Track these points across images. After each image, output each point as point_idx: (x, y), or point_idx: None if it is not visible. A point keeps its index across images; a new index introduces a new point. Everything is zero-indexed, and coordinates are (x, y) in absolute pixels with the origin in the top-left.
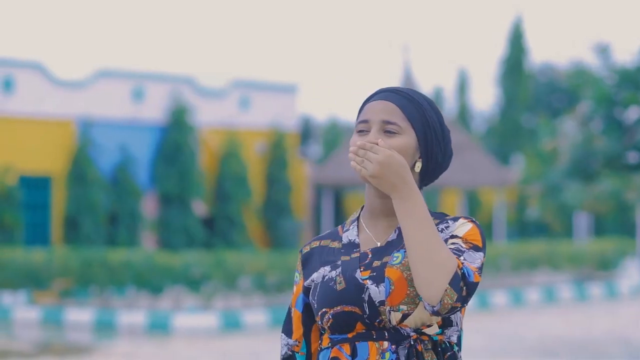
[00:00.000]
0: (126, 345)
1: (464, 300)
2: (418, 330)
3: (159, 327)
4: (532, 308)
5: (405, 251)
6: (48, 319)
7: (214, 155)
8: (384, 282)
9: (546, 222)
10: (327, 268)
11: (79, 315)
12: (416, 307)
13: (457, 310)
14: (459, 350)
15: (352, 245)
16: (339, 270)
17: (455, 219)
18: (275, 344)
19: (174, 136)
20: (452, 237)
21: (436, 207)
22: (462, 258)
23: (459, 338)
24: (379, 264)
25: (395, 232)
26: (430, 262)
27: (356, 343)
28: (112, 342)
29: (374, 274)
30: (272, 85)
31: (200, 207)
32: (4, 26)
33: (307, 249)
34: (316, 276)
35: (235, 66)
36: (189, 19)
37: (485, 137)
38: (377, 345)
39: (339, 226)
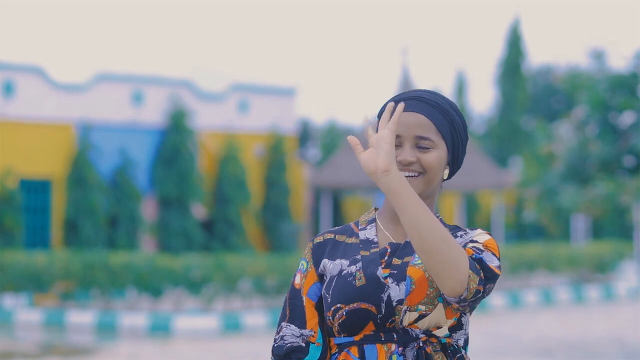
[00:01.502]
0: (129, 347)
1: (485, 283)
2: (427, 332)
3: (160, 329)
4: (530, 310)
5: None
6: (50, 321)
7: (213, 158)
8: (404, 280)
9: (544, 225)
10: (345, 262)
11: (81, 317)
12: (434, 307)
13: (480, 296)
14: (466, 353)
15: (371, 242)
16: (359, 265)
17: (473, 229)
18: None
19: (173, 139)
20: (472, 241)
21: (434, 210)
22: (481, 254)
23: (466, 342)
24: (399, 262)
25: None
26: (449, 248)
27: (364, 346)
28: (114, 344)
29: (395, 271)
30: (270, 89)
31: (199, 210)
32: (4, 30)
33: (319, 239)
34: (332, 268)
35: (234, 70)
36: (188, 22)
37: (484, 139)
38: (385, 348)
39: (351, 224)
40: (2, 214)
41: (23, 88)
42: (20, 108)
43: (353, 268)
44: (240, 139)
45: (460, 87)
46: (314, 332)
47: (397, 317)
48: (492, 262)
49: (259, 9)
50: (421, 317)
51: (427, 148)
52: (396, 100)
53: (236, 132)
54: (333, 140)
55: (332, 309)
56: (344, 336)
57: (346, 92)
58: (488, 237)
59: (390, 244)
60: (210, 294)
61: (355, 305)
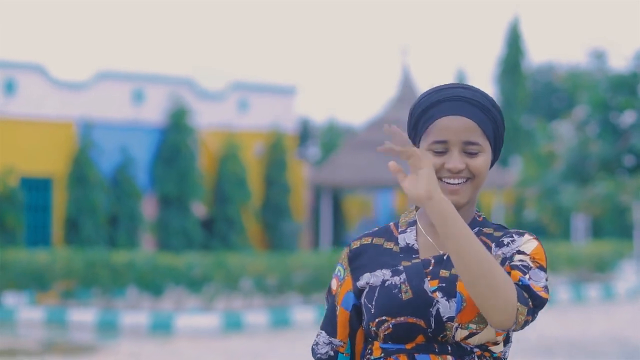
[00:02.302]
0: (130, 345)
1: (533, 312)
2: (482, 347)
3: (161, 327)
4: None
5: None
6: (52, 319)
7: (213, 157)
8: (454, 297)
9: (544, 224)
10: (387, 272)
11: (82, 315)
12: (485, 326)
13: (529, 324)
14: None
15: (411, 250)
16: (402, 277)
17: (520, 234)
18: (275, 345)
19: (174, 138)
20: (519, 252)
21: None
22: (527, 276)
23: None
24: (447, 274)
25: None
26: (496, 281)
27: (415, 355)
28: (116, 342)
29: (443, 285)
30: (270, 88)
31: (199, 209)
32: (6, 29)
33: (356, 245)
34: (373, 279)
35: (234, 68)
36: (189, 21)
37: None
38: (439, 358)
39: (391, 224)
40: (3, 213)
41: (24, 86)
42: (21, 106)
43: (397, 279)
44: (240, 138)
45: None
46: (344, 343)
47: (448, 332)
48: (539, 282)
49: (259, 8)
50: (472, 334)
51: (475, 153)
52: (435, 97)
53: (236, 131)
54: (333, 139)
55: (377, 320)
56: (391, 343)
57: (346, 91)
58: (535, 244)
59: (435, 257)
60: (211, 293)
61: (402, 319)
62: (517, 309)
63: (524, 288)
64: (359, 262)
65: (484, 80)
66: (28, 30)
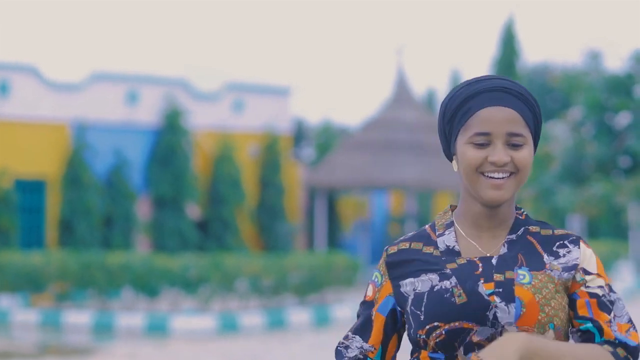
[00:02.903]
0: (126, 347)
1: None
2: None
3: (157, 328)
4: None
5: (530, 270)
6: (47, 322)
7: (208, 158)
8: (513, 301)
9: None
10: (433, 276)
11: (78, 317)
12: (545, 333)
13: None
14: None
15: (453, 253)
16: (453, 280)
17: (572, 241)
18: (271, 346)
19: (168, 139)
20: (585, 272)
21: (429, 210)
22: (611, 315)
23: None
24: (501, 278)
25: (504, 246)
26: None
27: None
28: (112, 344)
29: (500, 289)
30: (265, 88)
31: (194, 210)
32: None
33: (394, 250)
34: (419, 285)
35: (229, 69)
36: (183, 22)
37: None
38: None
39: (426, 227)
40: None
41: (18, 88)
42: (15, 108)
43: (447, 283)
44: (235, 139)
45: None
46: (375, 349)
47: None
48: (624, 317)
49: (254, 9)
50: None
51: (520, 145)
52: (475, 88)
53: (231, 132)
54: (328, 140)
55: (427, 327)
56: (441, 352)
57: (341, 92)
58: (594, 256)
59: (481, 258)
60: (207, 294)
61: (456, 324)
62: None
63: (621, 346)
64: (399, 268)
65: None
66: (22, 32)
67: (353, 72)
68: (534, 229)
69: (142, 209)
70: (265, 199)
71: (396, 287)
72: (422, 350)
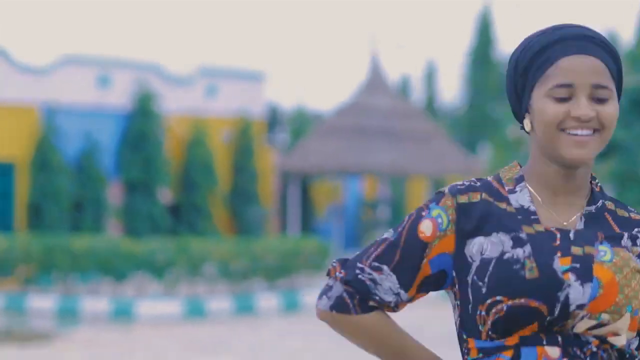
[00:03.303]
0: (88, 332)
1: None
2: (601, 337)
3: (122, 313)
4: None
5: (612, 246)
6: (10, 306)
7: (180, 142)
8: (590, 281)
9: None
10: (506, 238)
11: (42, 302)
12: (620, 317)
13: None
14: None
15: (529, 213)
16: (527, 249)
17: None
18: (239, 332)
19: (140, 123)
20: None
21: (403, 195)
22: None
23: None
24: (580, 252)
25: (581, 219)
26: None
27: (522, 348)
28: (75, 329)
29: (577, 265)
30: (239, 73)
31: (165, 195)
32: None
33: (464, 199)
34: (488, 247)
35: (201, 53)
36: (156, 5)
37: (453, 126)
38: (547, 350)
39: (490, 179)
40: None
41: None
42: None
43: (519, 252)
44: (207, 124)
45: (430, 73)
46: (406, 302)
47: (569, 321)
48: None
49: None
50: (599, 325)
51: (605, 99)
52: (555, 35)
53: (204, 117)
54: (302, 125)
55: (489, 301)
56: (491, 340)
57: (315, 78)
58: None
59: (559, 229)
60: (173, 279)
61: (522, 301)
62: None
63: None
64: (469, 221)
65: (454, 68)
66: None
67: (327, 58)
68: (610, 205)
69: (114, 194)
70: (238, 184)
71: (460, 245)
72: (469, 339)
